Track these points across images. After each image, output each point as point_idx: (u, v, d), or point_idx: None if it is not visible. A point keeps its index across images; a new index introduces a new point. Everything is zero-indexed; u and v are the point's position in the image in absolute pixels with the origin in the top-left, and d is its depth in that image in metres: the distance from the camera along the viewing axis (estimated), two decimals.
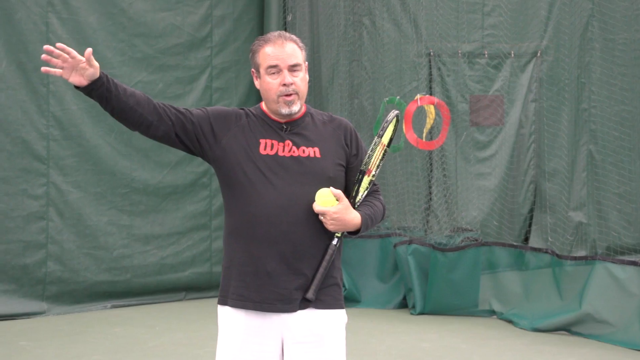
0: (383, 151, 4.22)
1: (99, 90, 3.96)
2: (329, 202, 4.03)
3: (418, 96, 9.88)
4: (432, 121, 9.98)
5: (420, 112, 9.97)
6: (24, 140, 9.66)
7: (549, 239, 9.94)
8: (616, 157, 9.76)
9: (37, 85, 9.73)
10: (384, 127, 4.16)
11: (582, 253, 9.65)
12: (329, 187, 4.06)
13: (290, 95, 4.09)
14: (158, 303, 10.48)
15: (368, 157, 4.13)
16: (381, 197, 4.31)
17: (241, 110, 4.21)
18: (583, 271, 9.19)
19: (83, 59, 3.97)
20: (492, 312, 9.94)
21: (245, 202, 4.06)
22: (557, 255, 9.50)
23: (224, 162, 4.10)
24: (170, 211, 10.66)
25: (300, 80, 4.11)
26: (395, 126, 4.23)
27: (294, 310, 4.08)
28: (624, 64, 9.77)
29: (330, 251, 4.08)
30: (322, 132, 4.18)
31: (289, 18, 11.10)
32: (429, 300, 10.03)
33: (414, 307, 10.13)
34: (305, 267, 4.07)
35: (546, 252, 9.65)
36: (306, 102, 4.23)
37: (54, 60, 3.99)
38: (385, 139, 4.21)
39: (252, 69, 4.22)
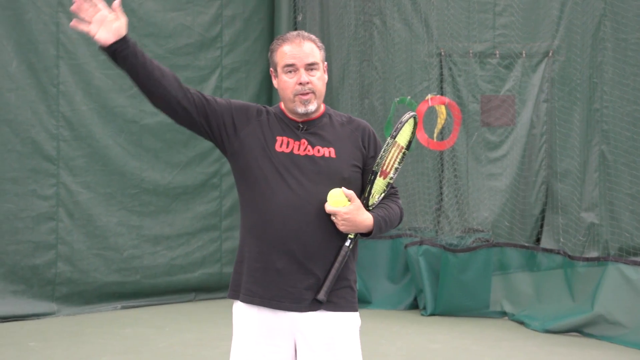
0: (402, 154, 4.19)
1: (124, 52, 3.95)
2: (340, 203, 4.00)
3: (429, 96, 9.85)
4: (443, 121, 9.96)
5: (431, 113, 9.95)
6: (34, 141, 9.65)
7: (561, 239, 9.91)
8: (628, 158, 9.71)
9: (47, 86, 9.72)
10: (397, 127, 4.13)
11: (594, 254, 9.61)
12: (343, 187, 4.03)
13: (306, 94, 4.08)
14: (168, 304, 10.47)
15: (380, 158, 4.10)
16: (399, 201, 4.27)
17: (262, 107, 4.21)
18: (595, 272, 9.17)
19: (111, 13, 3.97)
20: (503, 314, 9.91)
21: (259, 198, 4.06)
22: (569, 256, 9.47)
23: (241, 155, 4.10)
24: (180, 212, 10.64)
25: (318, 79, 4.10)
26: (413, 128, 4.21)
27: (304, 310, 4.05)
28: (636, 64, 9.72)
29: (342, 253, 4.04)
30: (340, 132, 4.15)
31: (300, 18, 11.08)
32: (439, 301, 10.00)
33: (424, 308, 10.11)
34: (315, 268, 4.04)
35: (558, 253, 9.63)
36: None
37: (83, 10, 4.02)
38: (402, 140, 4.18)
39: (271, 69, 4.21)
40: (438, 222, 10.53)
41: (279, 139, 4.09)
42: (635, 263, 8.93)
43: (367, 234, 4.10)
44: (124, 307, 10.18)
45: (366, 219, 4.04)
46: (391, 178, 4.18)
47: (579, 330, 9.11)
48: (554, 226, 10.14)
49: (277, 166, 4.04)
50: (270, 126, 4.11)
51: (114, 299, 10.13)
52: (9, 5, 9.47)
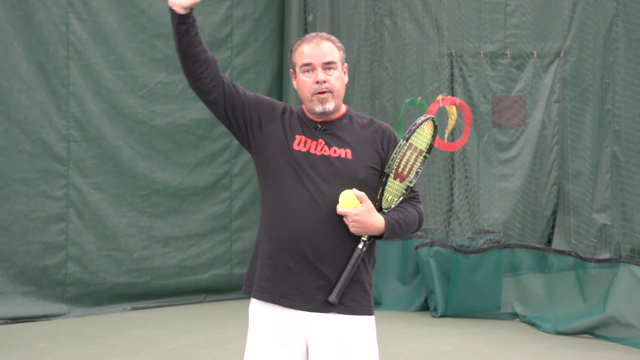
0: (421, 157, 4.17)
1: (184, 26, 4.01)
2: (351, 204, 3.99)
3: (440, 97, 9.83)
4: (453, 122, 9.93)
5: (442, 113, 9.92)
6: (44, 142, 9.65)
7: (573, 241, 9.88)
8: None
9: (57, 87, 9.71)
10: (410, 129, 4.10)
11: (606, 255, 9.57)
12: (359, 189, 4.01)
13: (323, 92, 4.09)
14: (178, 305, 10.46)
15: (392, 160, 4.07)
16: (419, 205, 4.24)
17: (287, 106, 4.23)
18: (607, 274, 9.14)
19: None
20: (514, 315, 9.89)
21: (274, 195, 4.08)
22: (581, 258, 9.45)
23: (262, 151, 4.13)
24: (190, 213, 10.63)
25: (335, 78, 4.11)
26: (433, 131, 4.18)
27: (314, 310, 4.04)
28: None
29: (355, 255, 4.03)
30: (359, 134, 4.14)
31: (310, 18, 11.07)
32: (450, 303, 9.97)
33: (435, 309, 10.08)
34: (326, 268, 4.03)
35: (569, 255, 9.61)
36: None
37: None
38: (420, 144, 4.15)
39: (291, 70, 4.23)
40: (449, 224, 10.50)
41: (297, 137, 4.11)
42: None
43: (379, 237, 4.07)
44: (134, 308, 10.17)
45: (377, 221, 4.02)
46: (410, 182, 4.15)
47: (590, 332, 9.09)
48: (565, 227, 10.10)
49: (293, 165, 4.05)
50: (291, 125, 4.13)
51: (124, 300, 10.12)
52: (19, 6, 9.47)
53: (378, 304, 10.30)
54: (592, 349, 8.68)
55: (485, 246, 10.00)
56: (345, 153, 4.08)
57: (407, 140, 4.09)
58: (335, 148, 4.09)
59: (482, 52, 10.39)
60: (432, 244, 10.08)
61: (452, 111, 9.94)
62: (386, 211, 4.11)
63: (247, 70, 10.97)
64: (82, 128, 9.88)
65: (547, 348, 8.73)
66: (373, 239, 4.08)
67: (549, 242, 10.28)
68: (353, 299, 4.07)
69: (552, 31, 10.28)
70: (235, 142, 10.83)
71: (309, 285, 4.03)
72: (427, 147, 4.18)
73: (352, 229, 4.00)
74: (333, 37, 4.19)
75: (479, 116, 10.40)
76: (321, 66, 4.09)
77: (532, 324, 9.58)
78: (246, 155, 10.94)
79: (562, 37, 10.25)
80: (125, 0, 10.12)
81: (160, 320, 9.72)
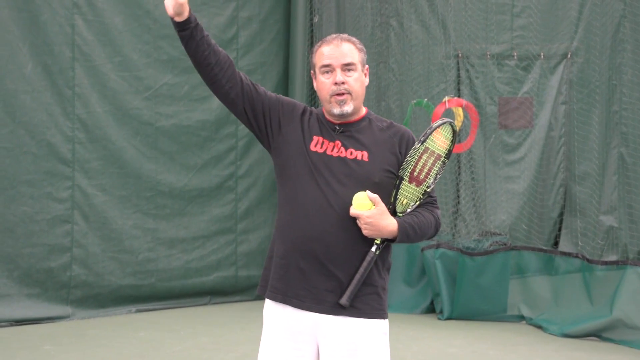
0: (439, 162, 4.13)
1: (181, 33, 4.03)
2: (364, 206, 3.97)
3: (446, 98, 9.82)
4: (460, 124, 9.91)
5: (449, 115, 9.90)
6: (49, 143, 9.63)
7: (579, 243, 9.85)
8: None
9: (62, 88, 9.70)
10: (426, 133, 4.07)
11: (613, 258, 9.55)
12: (374, 192, 3.99)
13: (342, 94, 4.08)
14: (183, 307, 10.44)
15: (406, 163, 4.04)
16: (436, 211, 4.21)
17: (307, 107, 4.23)
18: (614, 276, 9.12)
19: None
20: (521, 318, 9.86)
21: (289, 195, 4.07)
22: (588, 260, 9.42)
23: (281, 151, 4.12)
24: (195, 214, 10.61)
25: (354, 80, 4.09)
26: (451, 135, 4.14)
27: (325, 312, 4.02)
28: None
29: (368, 258, 4.01)
30: (377, 137, 4.12)
31: (316, 19, 11.05)
32: (456, 305, 9.95)
33: (441, 312, 10.06)
34: (338, 270, 4.01)
35: (576, 257, 9.59)
36: None
37: None
38: (438, 148, 4.11)
39: (312, 71, 4.23)
40: (455, 225, 10.47)
41: (315, 138, 4.10)
42: None
43: (393, 240, 4.04)
44: (138, 311, 10.15)
45: (390, 224, 4.00)
46: (428, 186, 4.12)
47: (597, 334, 9.06)
48: (572, 229, 10.07)
49: (309, 166, 4.04)
50: (310, 126, 4.12)
51: (128, 302, 10.10)
52: (24, 8, 9.45)
53: None
54: (598, 351, 8.65)
55: (491, 248, 9.98)
56: (361, 155, 4.06)
57: (422, 144, 4.06)
58: (352, 150, 4.07)
59: (488, 53, 10.36)
60: (438, 246, 10.05)
61: (459, 113, 9.92)
62: (401, 215, 4.08)
63: (253, 71, 10.94)
64: (87, 129, 9.86)
65: (554, 351, 8.70)
66: (387, 242, 4.05)
67: (556, 244, 10.25)
68: (365, 302, 4.05)
69: (559, 32, 10.25)
70: (241, 143, 10.82)
71: (320, 286, 4.02)
72: (446, 152, 4.14)
73: (365, 232, 3.98)
74: (354, 39, 4.17)
75: (485, 118, 10.37)
76: (340, 67, 4.07)
77: (539, 327, 9.55)
78: (252, 157, 10.92)
79: (569, 38, 10.22)
80: (131, 1, 10.11)
81: (166, 323, 9.70)
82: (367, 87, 4.26)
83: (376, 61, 10.71)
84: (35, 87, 9.54)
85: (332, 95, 4.08)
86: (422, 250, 10.17)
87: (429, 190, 4.14)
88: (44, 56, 9.58)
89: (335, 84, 4.06)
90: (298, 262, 4.03)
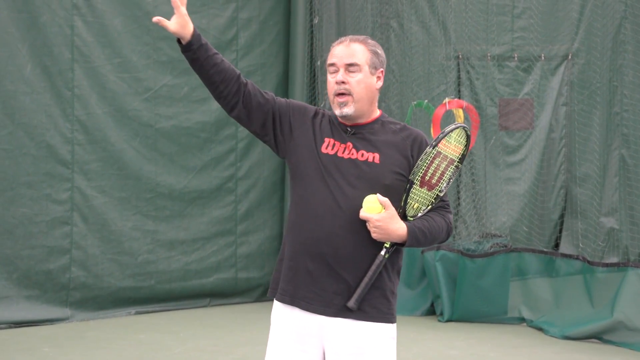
0: (452, 167, 4.09)
1: (185, 54, 4.11)
2: (374, 209, 3.94)
3: (446, 100, 9.81)
4: None
5: (449, 116, 9.89)
6: (49, 145, 9.61)
7: (580, 245, 9.84)
8: None
9: (61, 89, 9.68)
10: (438, 137, 4.02)
11: (613, 259, 9.53)
12: (384, 194, 3.96)
13: (342, 95, 4.05)
14: (182, 309, 10.42)
15: (417, 167, 4.00)
16: (448, 215, 4.17)
17: (319, 109, 4.22)
18: (615, 278, 9.12)
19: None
20: (521, 320, 9.85)
21: (300, 197, 4.06)
22: (588, 262, 9.42)
23: (293, 154, 4.11)
24: (195, 216, 10.59)
25: (357, 81, 4.06)
26: (465, 140, 4.10)
27: (332, 315, 4.00)
28: None
29: (377, 261, 3.97)
30: (390, 140, 4.09)
31: (316, 20, 11.03)
32: (457, 307, 9.93)
33: (441, 314, 10.05)
34: (346, 273, 3.99)
35: (577, 259, 9.58)
36: None
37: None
38: (451, 153, 4.06)
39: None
40: (455, 227, 10.45)
41: (326, 140, 4.08)
42: None
43: (402, 244, 4.01)
44: (138, 313, 10.13)
45: (399, 228, 3.96)
46: (440, 191, 4.09)
47: (598, 336, 9.05)
48: (573, 231, 10.05)
49: (320, 168, 4.02)
50: (321, 128, 4.10)
51: (128, 304, 10.08)
52: (24, 9, 9.43)
53: None
54: (599, 353, 8.64)
55: (492, 250, 9.97)
56: (372, 157, 4.03)
57: (433, 148, 4.01)
58: (363, 152, 4.04)
59: (489, 54, 10.34)
60: (438, 248, 10.03)
61: (459, 114, 9.91)
62: (412, 219, 4.04)
63: (253, 72, 10.93)
64: (86, 131, 9.84)
65: (554, 353, 8.69)
66: (396, 246, 4.02)
67: (557, 246, 10.23)
68: (373, 306, 4.02)
69: (560, 33, 10.23)
70: (241, 145, 10.80)
71: (328, 289, 4.00)
72: (460, 156, 4.10)
73: (374, 235, 3.95)
74: (371, 41, 4.14)
75: (486, 119, 10.35)
76: (344, 67, 4.06)
77: (539, 329, 9.54)
78: (252, 159, 10.91)
79: (570, 39, 10.20)
80: (130, 2, 10.09)
81: (165, 325, 9.68)
82: None
83: None
84: (35, 89, 9.52)
85: (334, 95, 4.07)
86: (423, 252, 10.16)
87: (441, 194, 4.10)
88: (43, 57, 9.56)
89: (337, 83, 4.05)
90: (307, 264, 4.01)
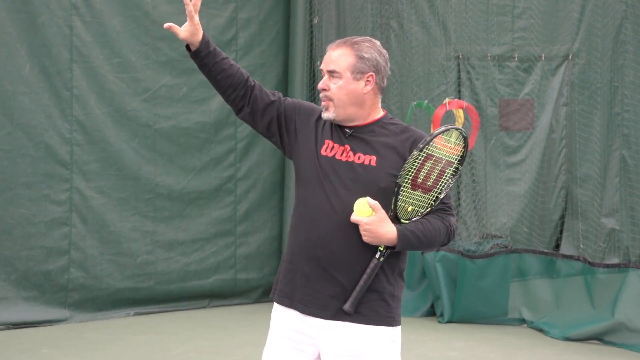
0: (451, 168, 4.02)
1: (195, 60, 4.14)
2: (364, 212, 3.92)
3: (447, 100, 9.79)
4: (460, 125, 9.87)
5: (449, 117, 9.87)
6: (47, 145, 9.59)
7: (581, 245, 9.81)
8: None
9: (60, 90, 9.66)
10: (425, 139, 3.94)
11: (614, 260, 9.51)
12: (379, 197, 3.94)
13: (324, 100, 4.07)
14: (182, 310, 10.40)
15: (404, 170, 3.93)
16: (449, 218, 4.11)
17: None
18: (616, 279, 9.12)
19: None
20: (522, 321, 9.84)
21: (299, 200, 4.08)
22: (589, 263, 9.40)
23: (296, 156, 4.13)
24: (194, 217, 10.57)
25: (338, 87, 4.05)
26: (463, 142, 4.02)
27: (329, 318, 3.99)
28: None
29: (372, 265, 3.94)
30: (389, 141, 4.06)
31: (315, 21, 11.02)
32: (457, 308, 9.92)
33: (442, 315, 10.03)
34: (341, 276, 3.97)
35: (578, 260, 9.57)
36: None
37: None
38: (443, 154, 3.98)
39: None
40: (455, 228, 10.42)
41: (326, 142, 4.07)
42: None
43: (393, 247, 3.97)
44: (137, 314, 10.10)
45: (389, 232, 3.92)
46: (440, 193, 4.03)
47: (599, 338, 9.04)
48: (573, 232, 10.03)
49: (318, 170, 4.02)
50: (323, 130, 4.10)
51: (127, 305, 10.05)
52: (22, 9, 9.41)
53: None
54: (600, 355, 8.63)
55: (492, 251, 9.96)
56: (369, 160, 4.01)
57: (420, 151, 3.93)
58: (360, 154, 4.02)
59: (489, 55, 10.32)
60: (438, 249, 10.01)
61: (459, 114, 9.89)
62: (406, 222, 4.00)
63: (252, 72, 10.89)
64: (85, 131, 9.82)
65: (555, 354, 8.68)
66: (390, 249, 3.98)
67: (557, 246, 10.21)
68: (371, 309, 3.99)
69: (560, 34, 10.20)
70: (241, 145, 10.78)
71: (323, 292, 3.99)
72: (458, 157, 4.04)
73: (365, 238, 3.93)
74: (362, 44, 4.09)
75: (486, 119, 10.33)
76: (327, 73, 4.08)
77: (540, 330, 9.52)
78: (251, 159, 10.88)
79: (571, 39, 10.17)
80: (129, 2, 10.06)
81: (164, 326, 9.67)
82: None
83: None
84: (33, 89, 9.50)
85: (322, 100, 4.10)
86: (423, 253, 10.14)
87: (441, 196, 4.05)
88: (42, 57, 9.53)
89: (319, 88, 4.09)
90: (303, 267, 4.01)
